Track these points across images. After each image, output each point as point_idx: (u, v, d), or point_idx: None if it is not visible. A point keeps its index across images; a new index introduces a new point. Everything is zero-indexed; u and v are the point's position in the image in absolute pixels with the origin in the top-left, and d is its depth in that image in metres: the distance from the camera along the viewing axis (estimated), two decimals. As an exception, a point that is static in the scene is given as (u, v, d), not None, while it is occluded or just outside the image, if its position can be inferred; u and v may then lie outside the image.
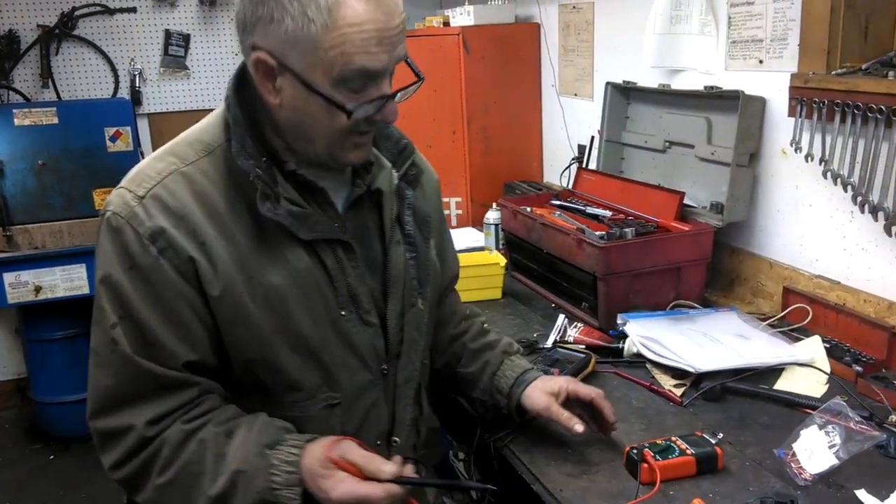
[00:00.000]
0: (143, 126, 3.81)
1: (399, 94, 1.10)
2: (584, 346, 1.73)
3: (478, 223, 2.82)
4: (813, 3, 1.75)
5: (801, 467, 1.21)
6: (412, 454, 1.25)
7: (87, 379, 1.10)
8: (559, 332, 1.81)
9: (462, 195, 3.06)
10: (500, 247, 2.46)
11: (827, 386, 1.52)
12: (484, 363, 1.42)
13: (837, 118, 1.66)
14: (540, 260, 2.16)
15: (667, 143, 2.29)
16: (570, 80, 2.90)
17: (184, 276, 1.06)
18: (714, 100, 2.06)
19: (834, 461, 1.20)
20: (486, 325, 1.52)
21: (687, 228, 1.95)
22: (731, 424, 1.40)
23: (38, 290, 3.24)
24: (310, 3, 0.98)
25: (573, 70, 2.87)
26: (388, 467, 1.04)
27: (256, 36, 1.04)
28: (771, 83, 1.92)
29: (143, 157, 1.20)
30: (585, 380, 1.58)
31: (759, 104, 1.94)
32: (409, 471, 1.07)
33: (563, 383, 1.34)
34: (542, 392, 1.33)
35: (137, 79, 3.77)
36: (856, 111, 1.61)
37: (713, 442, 1.26)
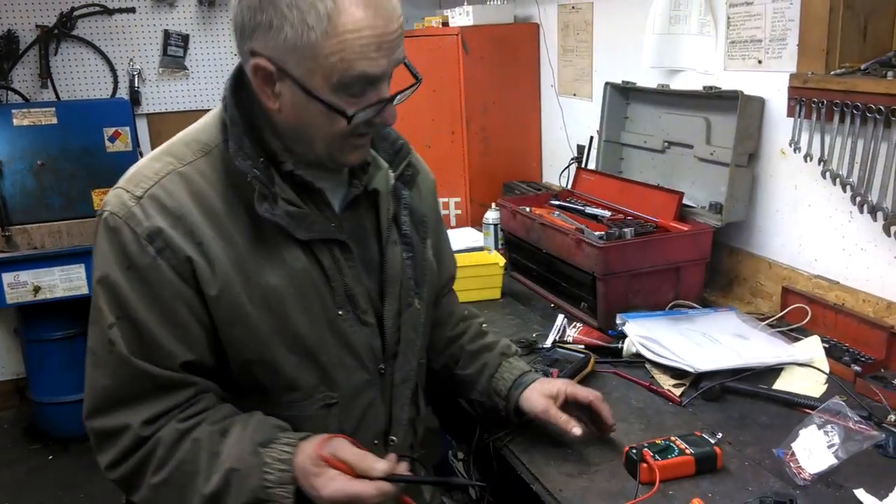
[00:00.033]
0: (142, 126, 3.80)
1: (397, 97, 1.10)
2: (583, 346, 1.73)
3: (477, 223, 2.82)
4: (812, 4, 1.75)
5: (800, 467, 1.21)
6: (410, 454, 1.25)
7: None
8: (558, 332, 1.81)
9: (461, 195, 3.06)
10: (500, 247, 2.45)
11: (826, 386, 1.52)
12: (482, 365, 1.42)
13: (836, 118, 1.66)
14: (539, 260, 2.16)
15: (666, 144, 2.29)
16: (570, 80, 2.90)
17: (181, 276, 1.06)
18: (713, 100, 2.06)
19: (833, 461, 1.20)
20: (484, 327, 1.52)
21: (686, 228, 1.95)
22: (731, 424, 1.40)
23: (36, 290, 3.24)
24: (309, 11, 0.98)
25: (572, 70, 2.87)
26: (380, 465, 1.04)
27: (255, 42, 1.03)
28: (770, 83, 1.91)
29: (141, 158, 1.20)
30: (585, 380, 1.58)
31: (758, 104, 1.94)
32: (402, 469, 1.06)
33: (561, 386, 1.34)
34: (541, 395, 1.33)
35: (136, 79, 3.76)
36: (855, 111, 1.61)
37: (712, 442, 1.26)
